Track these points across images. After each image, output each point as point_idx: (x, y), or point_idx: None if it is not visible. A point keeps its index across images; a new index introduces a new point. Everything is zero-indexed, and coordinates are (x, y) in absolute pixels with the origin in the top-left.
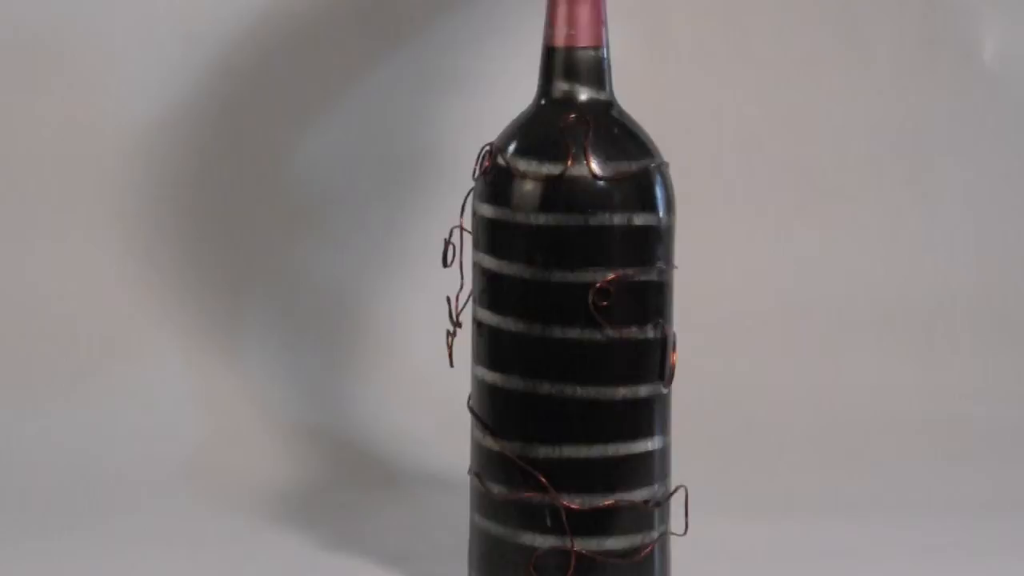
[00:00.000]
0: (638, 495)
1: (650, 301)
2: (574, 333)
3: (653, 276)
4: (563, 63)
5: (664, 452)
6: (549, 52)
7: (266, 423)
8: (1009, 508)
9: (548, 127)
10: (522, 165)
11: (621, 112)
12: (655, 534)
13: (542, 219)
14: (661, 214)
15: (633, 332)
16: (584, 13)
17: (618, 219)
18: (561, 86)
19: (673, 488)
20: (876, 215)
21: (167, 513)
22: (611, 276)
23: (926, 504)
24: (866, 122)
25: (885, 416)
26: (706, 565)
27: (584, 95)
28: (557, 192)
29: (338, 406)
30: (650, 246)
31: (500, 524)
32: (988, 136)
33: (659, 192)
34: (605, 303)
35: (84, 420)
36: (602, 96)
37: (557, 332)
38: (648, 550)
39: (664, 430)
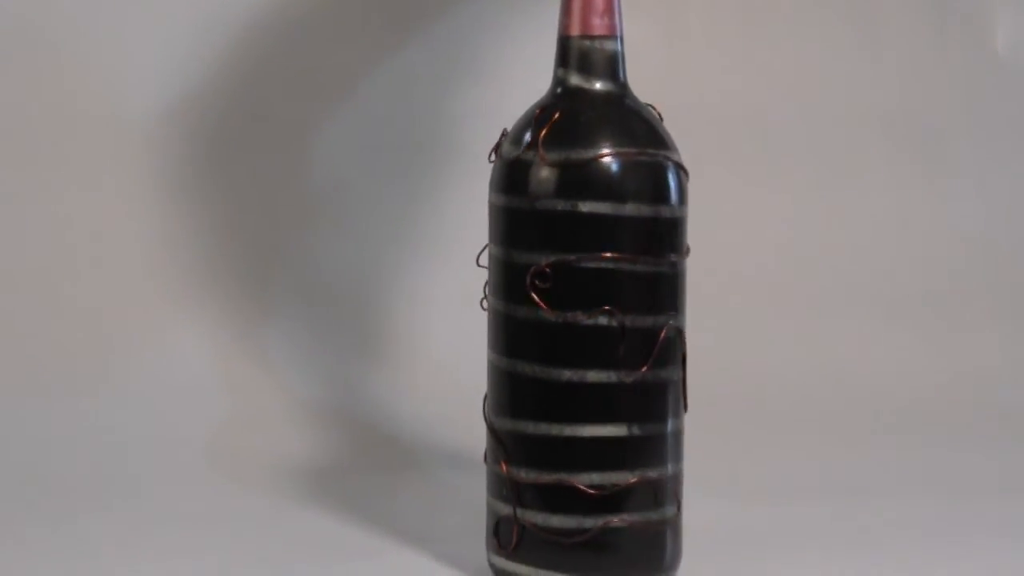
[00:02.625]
0: (583, 479)
1: (600, 288)
2: (522, 312)
3: (603, 264)
4: (577, 53)
5: (631, 442)
6: (564, 42)
7: (287, 406)
8: (1017, 490)
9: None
10: (505, 150)
11: (636, 101)
12: (614, 519)
13: (503, 200)
14: (617, 202)
15: (578, 317)
16: (598, 2)
17: (562, 205)
18: (575, 75)
19: (640, 479)
20: (888, 200)
21: (190, 493)
22: (552, 259)
23: (933, 485)
24: (879, 109)
25: (893, 397)
26: (709, 548)
27: (598, 84)
28: (513, 176)
29: (358, 389)
30: (599, 233)
31: (488, 493)
32: (1000, 123)
33: (633, 180)
34: (539, 284)
35: (109, 403)
36: (615, 86)
37: (511, 310)
38: (589, 535)
39: (631, 418)
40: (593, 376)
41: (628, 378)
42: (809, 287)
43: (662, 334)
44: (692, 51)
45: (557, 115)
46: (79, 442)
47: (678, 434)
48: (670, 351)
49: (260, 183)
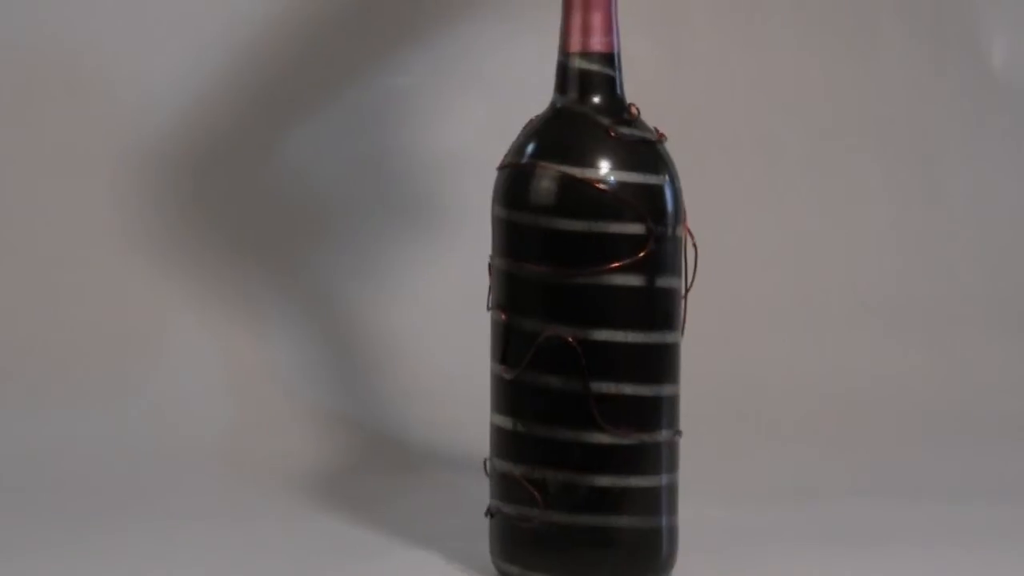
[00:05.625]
0: (491, 463)
1: (498, 289)
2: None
3: (501, 266)
4: (576, 69)
5: (516, 436)
6: (562, 58)
7: (293, 410)
8: (1015, 494)
9: None
10: None
11: (630, 115)
12: (507, 508)
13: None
14: (508, 210)
15: (489, 314)
16: (596, 20)
17: (498, 211)
18: (574, 91)
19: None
20: (887, 212)
21: (199, 497)
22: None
23: (931, 489)
24: (878, 124)
25: (890, 403)
26: (702, 550)
27: (596, 99)
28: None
29: (365, 394)
30: (500, 238)
31: None
32: (995, 137)
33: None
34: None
35: (117, 409)
36: (612, 103)
37: None
38: (485, 512)
39: (515, 414)
40: (493, 368)
41: (508, 375)
42: (809, 297)
43: (538, 339)
44: (692, 68)
45: (529, 123)
46: (87, 447)
47: (577, 445)
48: (558, 359)
49: (268, 192)
